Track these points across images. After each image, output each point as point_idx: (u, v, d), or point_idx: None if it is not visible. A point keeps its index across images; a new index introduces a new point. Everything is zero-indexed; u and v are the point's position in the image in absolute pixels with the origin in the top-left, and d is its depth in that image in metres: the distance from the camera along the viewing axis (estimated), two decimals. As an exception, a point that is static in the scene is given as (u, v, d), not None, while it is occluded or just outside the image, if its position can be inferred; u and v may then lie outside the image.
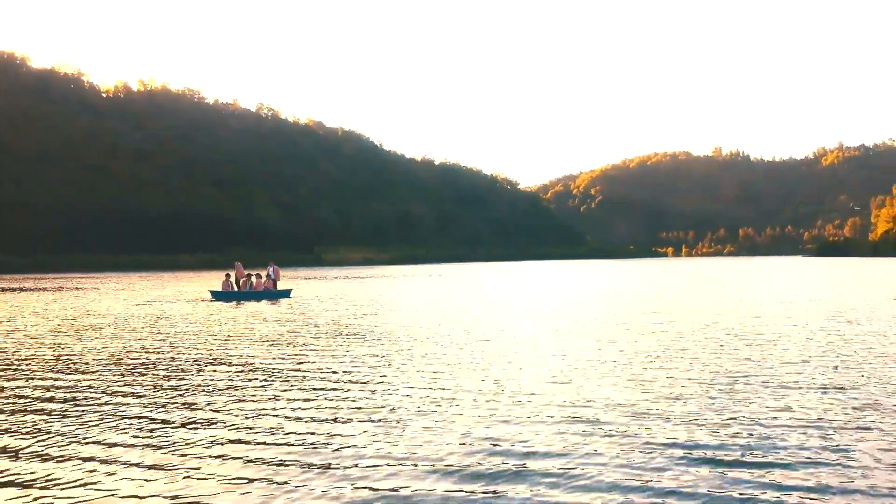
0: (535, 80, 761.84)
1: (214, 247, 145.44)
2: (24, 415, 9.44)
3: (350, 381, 11.52)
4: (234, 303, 30.67)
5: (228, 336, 18.13)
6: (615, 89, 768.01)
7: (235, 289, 34.00)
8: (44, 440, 8.19)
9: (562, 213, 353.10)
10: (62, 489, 6.58)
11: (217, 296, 32.74)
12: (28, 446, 7.97)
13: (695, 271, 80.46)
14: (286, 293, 34.73)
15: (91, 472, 7.03)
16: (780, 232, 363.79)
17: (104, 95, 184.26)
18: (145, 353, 15.10)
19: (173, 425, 8.79)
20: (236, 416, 9.22)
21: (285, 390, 10.87)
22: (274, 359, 14.09)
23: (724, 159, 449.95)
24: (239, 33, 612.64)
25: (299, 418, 9.03)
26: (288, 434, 8.30)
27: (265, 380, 11.76)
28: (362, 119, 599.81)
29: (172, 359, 14.22)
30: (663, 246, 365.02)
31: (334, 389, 10.86)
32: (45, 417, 9.29)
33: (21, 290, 47.31)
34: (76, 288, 48.17)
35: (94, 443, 8.05)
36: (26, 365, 13.71)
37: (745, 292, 35.48)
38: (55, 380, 11.99)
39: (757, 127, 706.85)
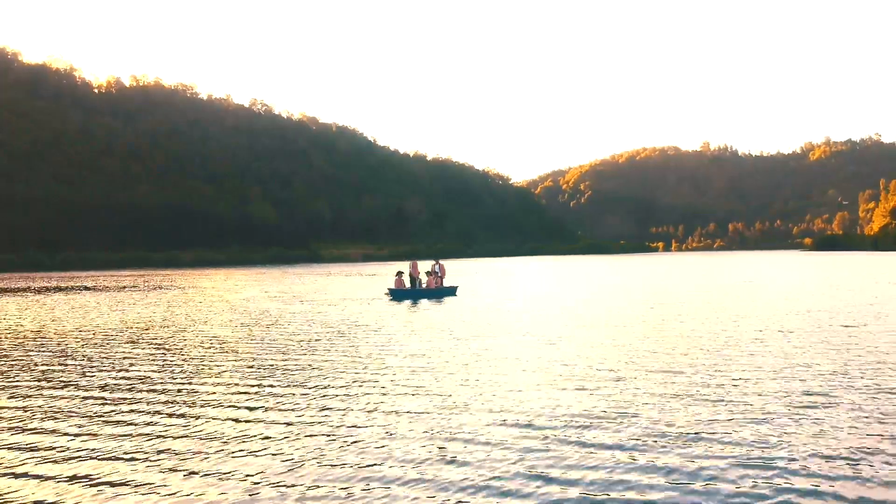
0: (522, 74, 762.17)
1: (209, 243, 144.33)
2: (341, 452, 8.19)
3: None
4: (409, 301, 31.01)
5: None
6: (603, 84, 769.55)
7: (409, 287, 34.31)
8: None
9: (551, 208, 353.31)
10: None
11: (395, 295, 32.88)
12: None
13: (731, 270, 69.94)
14: (453, 290, 35.02)
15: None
16: (769, 226, 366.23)
17: (96, 91, 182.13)
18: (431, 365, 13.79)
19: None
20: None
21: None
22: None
23: (713, 154, 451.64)
24: (232, 28, 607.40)
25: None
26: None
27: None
28: (354, 114, 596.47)
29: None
30: (653, 241, 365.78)
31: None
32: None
33: (96, 289, 46.76)
34: (157, 287, 47.96)
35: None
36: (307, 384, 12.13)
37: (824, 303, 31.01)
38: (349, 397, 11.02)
39: (745, 122, 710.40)
